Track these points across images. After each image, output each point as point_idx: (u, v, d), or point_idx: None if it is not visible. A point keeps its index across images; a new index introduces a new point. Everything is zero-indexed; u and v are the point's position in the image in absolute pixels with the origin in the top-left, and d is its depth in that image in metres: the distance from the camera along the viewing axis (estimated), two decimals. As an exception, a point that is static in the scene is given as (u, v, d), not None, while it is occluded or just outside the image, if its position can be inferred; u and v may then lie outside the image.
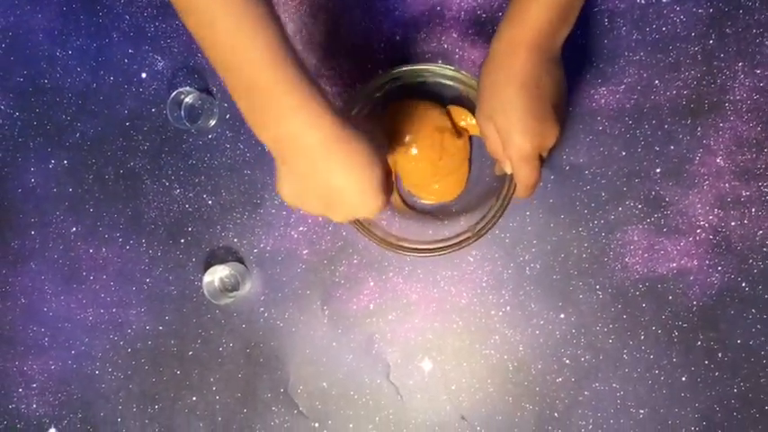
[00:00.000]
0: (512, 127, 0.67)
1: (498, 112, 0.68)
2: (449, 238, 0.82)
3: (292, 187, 0.67)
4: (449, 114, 0.86)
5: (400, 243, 0.82)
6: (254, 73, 0.59)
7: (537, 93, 0.66)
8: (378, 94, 0.84)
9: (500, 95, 0.67)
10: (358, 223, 0.81)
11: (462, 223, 0.86)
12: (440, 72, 0.81)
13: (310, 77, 0.61)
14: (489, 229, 0.79)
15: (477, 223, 0.81)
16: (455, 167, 0.86)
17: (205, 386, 0.94)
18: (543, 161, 0.71)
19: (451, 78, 0.81)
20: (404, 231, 0.87)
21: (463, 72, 0.80)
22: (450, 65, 0.80)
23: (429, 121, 0.85)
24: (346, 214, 0.69)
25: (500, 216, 0.79)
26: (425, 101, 0.86)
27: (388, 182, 0.70)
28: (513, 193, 0.78)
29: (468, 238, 0.80)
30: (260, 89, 0.60)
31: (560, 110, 0.69)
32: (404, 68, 0.81)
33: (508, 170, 0.72)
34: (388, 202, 0.70)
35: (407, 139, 0.85)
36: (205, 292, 0.88)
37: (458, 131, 0.86)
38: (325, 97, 0.62)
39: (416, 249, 0.81)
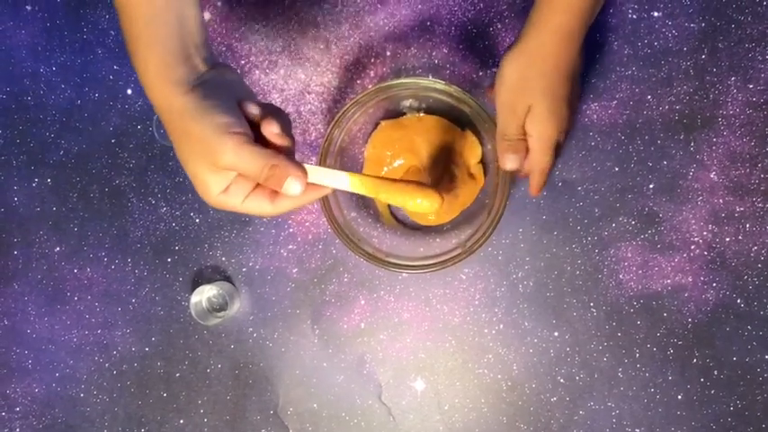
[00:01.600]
0: (538, 108, 0.69)
1: (523, 94, 0.70)
2: (439, 254, 0.82)
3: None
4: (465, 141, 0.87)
5: (388, 259, 0.82)
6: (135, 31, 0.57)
7: (563, 79, 0.70)
8: (371, 110, 0.84)
9: (528, 79, 0.69)
10: (346, 238, 0.81)
11: (453, 240, 0.86)
12: (430, 86, 0.81)
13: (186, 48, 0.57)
14: (481, 245, 0.79)
15: (468, 239, 0.81)
16: (461, 200, 0.87)
17: (193, 409, 0.93)
18: (560, 147, 0.74)
19: (442, 92, 0.81)
20: (394, 248, 0.87)
21: (454, 86, 0.80)
22: (441, 79, 0.81)
23: (451, 143, 0.86)
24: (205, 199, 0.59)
25: (491, 232, 0.79)
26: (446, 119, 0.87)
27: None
28: (504, 209, 0.78)
29: (460, 254, 0.80)
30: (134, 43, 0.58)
31: (576, 97, 0.74)
32: (393, 82, 0.81)
33: (510, 165, 0.73)
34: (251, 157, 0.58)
35: (424, 157, 0.86)
36: (192, 313, 0.88)
37: (471, 173, 0.87)
38: (188, 69, 0.57)
39: (406, 266, 0.81)
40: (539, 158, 0.72)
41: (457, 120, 0.86)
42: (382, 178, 0.61)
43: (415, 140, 0.86)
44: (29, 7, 0.94)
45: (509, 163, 0.73)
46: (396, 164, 0.87)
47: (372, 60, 0.89)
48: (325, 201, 0.81)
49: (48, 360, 0.95)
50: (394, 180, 0.61)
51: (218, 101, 0.56)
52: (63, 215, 0.94)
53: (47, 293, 0.95)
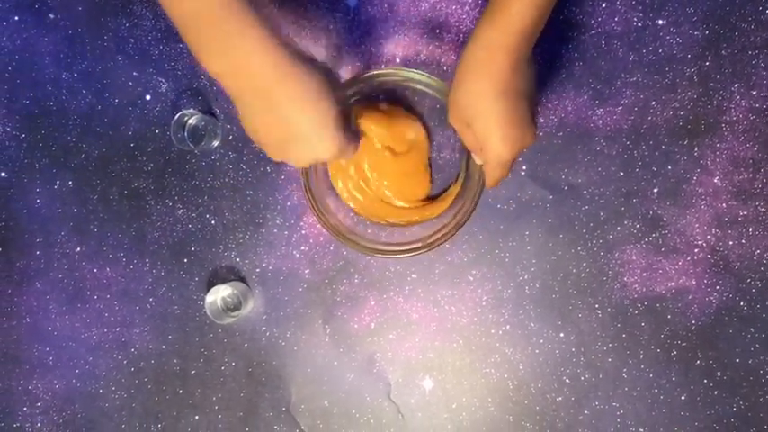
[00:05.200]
0: (491, 135, 0.70)
1: (477, 119, 0.70)
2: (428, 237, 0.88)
3: (252, 126, 0.69)
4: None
5: (351, 237, 0.89)
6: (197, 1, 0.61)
7: (516, 98, 0.69)
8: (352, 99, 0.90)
9: (478, 104, 0.69)
10: (340, 236, 0.88)
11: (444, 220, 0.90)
12: (407, 76, 0.86)
13: (257, 9, 0.63)
14: (465, 222, 0.86)
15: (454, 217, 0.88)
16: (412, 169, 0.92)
17: (207, 405, 0.99)
18: (515, 162, 0.76)
19: (418, 82, 0.87)
20: (388, 237, 0.93)
21: (433, 77, 0.85)
22: (416, 68, 0.87)
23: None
24: (305, 154, 0.71)
25: (474, 207, 0.86)
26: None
27: (348, 126, 0.73)
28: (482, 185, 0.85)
29: (445, 234, 0.87)
30: (204, 16, 0.61)
31: (534, 106, 0.73)
32: (368, 74, 0.86)
33: (478, 161, 0.80)
34: (348, 146, 0.73)
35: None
36: (207, 312, 0.94)
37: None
38: (273, 27, 0.64)
39: (396, 251, 0.88)
40: (490, 173, 0.76)
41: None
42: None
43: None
44: (52, 15, 1.00)
45: (477, 159, 0.80)
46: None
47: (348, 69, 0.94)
48: (304, 175, 0.88)
49: (68, 357, 1.01)
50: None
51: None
52: (83, 217, 1.00)
53: (68, 292, 1.01)
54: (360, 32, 0.93)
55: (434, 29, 0.92)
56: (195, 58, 0.64)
